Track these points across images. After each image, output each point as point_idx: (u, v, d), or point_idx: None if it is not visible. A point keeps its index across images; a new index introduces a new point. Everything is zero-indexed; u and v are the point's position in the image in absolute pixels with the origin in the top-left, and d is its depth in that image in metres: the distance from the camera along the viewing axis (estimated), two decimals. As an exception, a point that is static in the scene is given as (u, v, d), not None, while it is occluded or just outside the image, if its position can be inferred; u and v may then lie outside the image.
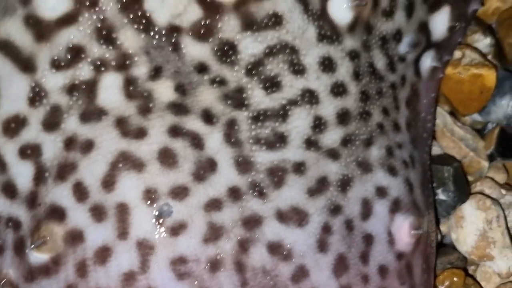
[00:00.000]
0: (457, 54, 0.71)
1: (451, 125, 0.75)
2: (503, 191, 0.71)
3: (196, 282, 0.51)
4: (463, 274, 0.68)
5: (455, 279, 0.68)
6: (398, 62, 0.63)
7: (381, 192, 0.57)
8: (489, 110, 0.74)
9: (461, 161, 0.72)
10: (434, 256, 0.64)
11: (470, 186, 0.70)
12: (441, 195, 0.67)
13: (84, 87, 0.52)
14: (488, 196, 0.69)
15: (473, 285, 0.69)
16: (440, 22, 0.65)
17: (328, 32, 0.56)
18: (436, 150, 0.72)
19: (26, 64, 0.52)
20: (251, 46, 0.53)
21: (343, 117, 0.57)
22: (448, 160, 0.68)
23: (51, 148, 0.52)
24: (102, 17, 0.51)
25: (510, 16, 0.73)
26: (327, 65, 0.56)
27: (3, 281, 0.53)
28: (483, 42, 0.76)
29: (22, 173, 0.53)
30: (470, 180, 0.73)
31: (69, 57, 0.51)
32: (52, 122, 0.52)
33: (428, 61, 0.66)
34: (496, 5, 0.75)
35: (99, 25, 0.51)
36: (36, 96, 0.52)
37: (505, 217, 0.70)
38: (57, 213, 0.51)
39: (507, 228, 0.69)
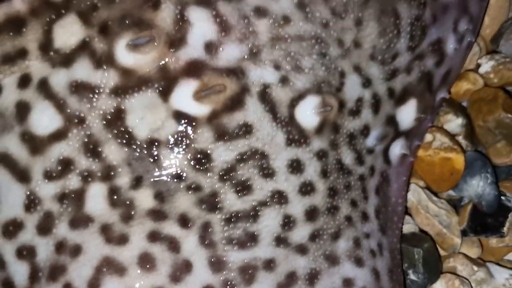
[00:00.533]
0: (429, 137, 0.75)
1: (426, 201, 0.78)
2: (475, 268, 0.74)
3: None
4: None
5: None
6: (366, 154, 0.67)
7: (347, 283, 0.61)
8: (462, 188, 0.78)
9: (434, 238, 0.76)
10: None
11: (442, 263, 0.73)
12: (411, 276, 0.70)
13: (73, 196, 0.57)
14: (458, 275, 0.71)
15: None
16: (407, 114, 0.69)
17: (296, 136, 0.61)
18: (410, 227, 0.76)
19: (22, 175, 0.58)
20: (223, 154, 0.58)
21: (311, 214, 0.61)
22: (420, 240, 0.71)
23: (44, 250, 0.57)
24: (88, 133, 0.57)
25: (480, 98, 0.77)
26: (295, 167, 0.61)
27: None
28: (455, 122, 0.79)
29: (19, 272, 0.58)
30: (443, 255, 0.76)
31: (59, 168, 0.57)
32: (45, 227, 0.57)
33: (397, 149, 0.70)
34: (466, 87, 0.79)
35: (86, 140, 0.57)
36: (31, 203, 0.58)
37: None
38: None
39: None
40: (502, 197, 0.77)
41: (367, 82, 0.65)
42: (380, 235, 0.67)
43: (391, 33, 0.65)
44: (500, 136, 0.75)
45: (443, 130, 0.75)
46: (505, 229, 0.77)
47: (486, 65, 0.80)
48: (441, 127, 0.76)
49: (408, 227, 0.76)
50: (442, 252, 0.77)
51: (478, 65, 0.82)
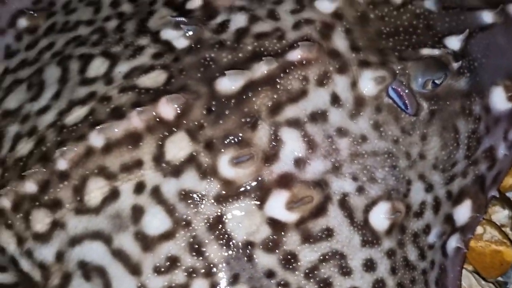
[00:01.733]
0: (479, 229, 0.83)
1: (476, 286, 0.85)
2: None
3: None
4: None
5: None
6: (427, 250, 0.75)
7: None
8: (510, 275, 0.85)
9: None
10: None
11: None
12: None
13: None
14: None
15: None
16: (463, 213, 0.77)
17: (370, 238, 0.69)
18: None
19: (134, 269, 0.66)
20: (308, 255, 0.67)
21: None
22: None
23: None
24: (194, 234, 0.66)
25: None
26: (369, 265, 0.69)
27: None
28: (502, 213, 0.87)
29: None
30: None
31: (167, 264, 0.66)
32: None
33: (453, 243, 0.78)
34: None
35: (191, 240, 0.66)
36: None
37: None
38: None
39: None
40: None
41: (429, 188, 0.73)
42: None
43: (451, 146, 0.74)
44: None
45: (493, 223, 0.83)
46: None
47: None
48: (489, 220, 0.84)
49: None
50: None
51: None
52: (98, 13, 0.85)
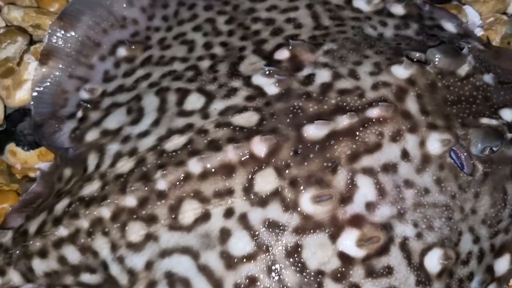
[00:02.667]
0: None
1: None
2: None
3: None
4: None
5: None
6: None
7: None
8: None
9: None
10: None
11: None
12: None
13: None
14: None
15: None
16: (502, 265, 0.86)
17: (423, 278, 0.78)
18: None
19: (217, 283, 0.76)
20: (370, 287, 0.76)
21: None
22: None
23: None
24: (273, 259, 0.75)
25: None
26: None
27: None
28: None
29: None
30: None
31: (247, 282, 0.75)
32: None
33: None
34: None
35: (270, 264, 0.75)
36: None
37: None
38: None
39: None
40: None
41: (476, 240, 0.83)
42: None
43: (499, 205, 0.83)
44: None
45: None
46: None
47: None
48: None
49: None
50: None
51: None
52: (192, 52, 0.96)
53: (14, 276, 0.87)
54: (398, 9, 1.00)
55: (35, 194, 0.99)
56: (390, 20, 0.98)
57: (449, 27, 1.02)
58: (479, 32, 1.08)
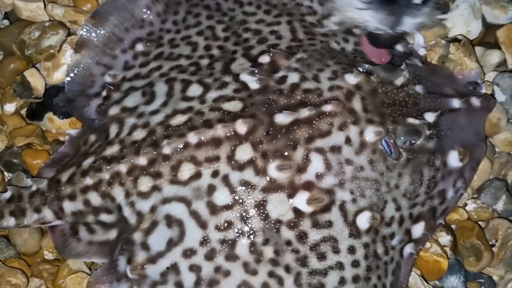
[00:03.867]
0: (428, 244, 1.16)
1: (420, 284, 1.19)
2: None
3: None
4: None
5: None
6: (390, 250, 1.08)
7: None
8: (443, 280, 1.19)
9: None
10: None
11: None
12: None
13: (230, 242, 0.99)
14: None
15: None
16: (417, 230, 1.11)
17: (354, 232, 1.03)
18: None
19: (202, 224, 0.99)
20: (314, 235, 0.99)
21: (355, 279, 1.02)
22: None
23: (208, 270, 0.99)
24: (245, 209, 0.99)
25: (463, 226, 1.20)
26: (351, 250, 1.02)
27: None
28: (446, 238, 1.20)
29: (188, 279, 1.00)
30: None
31: (225, 225, 0.98)
32: (210, 256, 0.99)
33: (408, 249, 1.11)
34: (456, 217, 1.22)
35: (243, 213, 0.99)
36: (204, 241, 1.00)
37: None
38: None
39: None
40: None
41: (398, 208, 1.08)
42: None
43: (417, 183, 1.08)
44: (472, 253, 1.18)
45: (437, 242, 1.17)
46: None
47: (470, 206, 1.23)
48: (436, 239, 1.18)
49: None
50: None
51: (465, 204, 1.24)
52: (195, 52, 1.20)
53: (47, 213, 1.12)
54: (358, 30, 1.26)
55: (63, 154, 1.23)
56: (351, 37, 1.23)
57: (398, 47, 1.27)
58: (422, 52, 1.30)
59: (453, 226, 1.22)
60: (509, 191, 1.22)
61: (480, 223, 1.21)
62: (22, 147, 1.22)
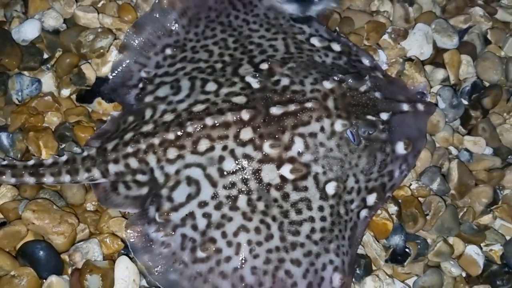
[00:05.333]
0: (379, 211, 1.53)
1: (371, 242, 1.55)
2: (388, 278, 1.50)
3: None
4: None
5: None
6: (350, 212, 1.43)
7: (332, 262, 1.37)
8: (389, 239, 1.54)
9: (372, 260, 1.52)
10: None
11: (370, 270, 1.50)
12: (357, 271, 1.45)
13: (233, 197, 1.35)
14: (380, 280, 1.47)
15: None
16: (371, 199, 1.47)
17: (324, 196, 1.38)
18: (361, 251, 1.52)
19: (213, 184, 1.34)
20: (294, 196, 1.32)
21: (322, 229, 1.37)
22: (362, 257, 1.48)
23: (215, 213, 1.35)
24: (245, 174, 1.36)
25: (406, 200, 1.56)
26: (320, 208, 1.37)
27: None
28: (393, 208, 1.56)
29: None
30: (374, 269, 1.52)
31: (230, 185, 1.33)
32: (219, 204, 1.35)
33: (363, 214, 1.43)
34: (402, 193, 1.58)
35: (244, 177, 1.34)
36: (215, 195, 1.35)
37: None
38: None
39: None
40: (406, 249, 1.51)
41: (357, 181, 1.41)
42: (349, 248, 1.43)
43: (371, 164, 1.43)
44: (411, 219, 1.53)
45: (387, 211, 1.52)
46: (405, 264, 1.54)
47: (414, 185, 1.50)
48: (386, 209, 1.53)
49: (360, 251, 1.52)
50: (373, 267, 1.53)
51: (410, 184, 1.54)
52: (211, 57, 1.54)
53: (96, 173, 1.42)
54: (336, 47, 1.61)
55: (105, 130, 1.51)
56: (331, 53, 1.59)
57: (366, 62, 1.62)
58: (384, 67, 1.64)
59: (400, 200, 1.59)
60: (443, 175, 1.60)
61: (420, 199, 1.57)
62: (73, 124, 1.55)
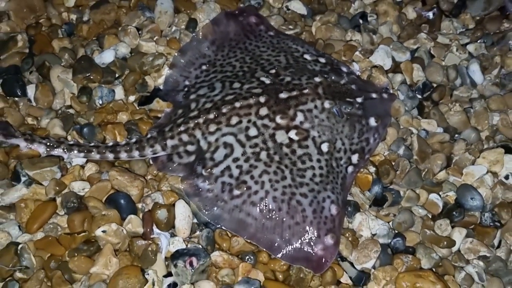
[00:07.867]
0: (362, 169, 2.06)
1: (358, 193, 2.07)
2: (372, 217, 2.00)
3: None
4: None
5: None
6: (340, 166, 1.90)
7: (329, 197, 1.88)
8: (371, 190, 2.03)
9: (360, 205, 2.03)
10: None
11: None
12: (349, 208, 1.95)
13: (253, 154, 1.90)
14: (366, 215, 1.97)
15: None
16: (354, 158, 2.01)
17: (320, 152, 1.93)
18: (350, 198, 2.02)
19: (243, 145, 1.90)
20: (299, 151, 1.92)
21: (321, 175, 1.91)
22: (352, 202, 1.99)
23: (244, 165, 1.89)
24: (264, 137, 1.93)
25: (381, 162, 2.10)
26: (318, 160, 1.92)
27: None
28: (372, 168, 2.11)
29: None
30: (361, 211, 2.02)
31: (254, 145, 1.89)
32: (247, 157, 1.89)
33: (350, 169, 1.87)
34: (378, 158, 2.13)
35: (263, 139, 1.91)
36: (244, 153, 1.90)
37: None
38: None
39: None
40: (384, 197, 2.07)
41: (343, 144, 1.89)
42: (341, 191, 1.91)
43: (352, 131, 1.94)
44: (385, 173, 2.05)
45: (367, 169, 2.06)
46: (384, 207, 2.05)
47: (386, 153, 2.12)
48: (367, 168, 2.06)
49: (350, 199, 2.03)
50: (361, 210, 2.03)
51: (384, 152, 2.14)
52: (234, 69, 2.16)
53: (157, 147, 1.84)
54: (322, 60, 2.20)
55: (160, 123, 2.07)
56: (318, 63, 2.18)
57: (344, 69, 2.17)
58: (358, 73, 2.28)
59: (377, 164, 2.13)
60: (406, 145, 2.15)
61: (392, 163, 2.13)
62: (137, 120, 2.14)
